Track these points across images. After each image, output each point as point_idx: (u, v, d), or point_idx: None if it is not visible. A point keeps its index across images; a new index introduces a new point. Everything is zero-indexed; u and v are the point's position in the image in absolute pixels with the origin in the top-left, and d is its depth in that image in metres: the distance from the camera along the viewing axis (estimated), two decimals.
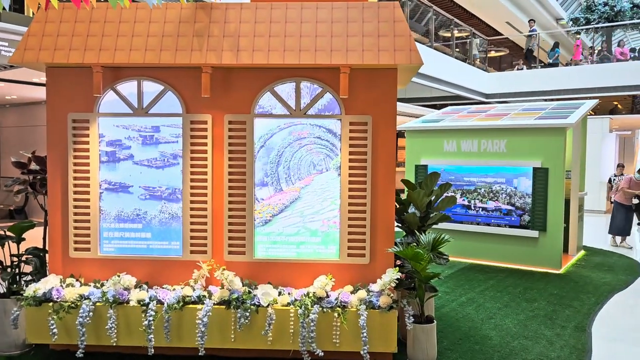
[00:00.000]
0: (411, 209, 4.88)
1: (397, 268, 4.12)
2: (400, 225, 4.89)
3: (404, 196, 5.09)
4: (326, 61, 4.08)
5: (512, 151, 8.08)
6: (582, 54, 19.06)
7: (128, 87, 4.36)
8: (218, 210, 4.36)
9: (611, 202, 12.27)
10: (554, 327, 5.23)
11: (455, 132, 8.62)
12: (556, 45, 20.12)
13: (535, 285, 6.93)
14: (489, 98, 18.28)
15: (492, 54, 22.62)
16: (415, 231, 4.81)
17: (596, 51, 19.06)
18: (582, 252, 9.33)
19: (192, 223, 4.36)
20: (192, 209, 4.36)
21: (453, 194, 8.44)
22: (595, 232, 11.86)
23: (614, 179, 12.60)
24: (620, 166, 13.00)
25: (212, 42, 4.15)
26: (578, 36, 19.50)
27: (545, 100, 17.12)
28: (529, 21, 20.41)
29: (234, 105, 4.33)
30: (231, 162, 4.34)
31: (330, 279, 4.15)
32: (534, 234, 7.87)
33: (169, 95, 4.35)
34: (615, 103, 22.76)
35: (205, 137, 4.33)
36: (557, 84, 17.08)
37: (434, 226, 5.12)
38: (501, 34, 23.01)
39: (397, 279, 4.08)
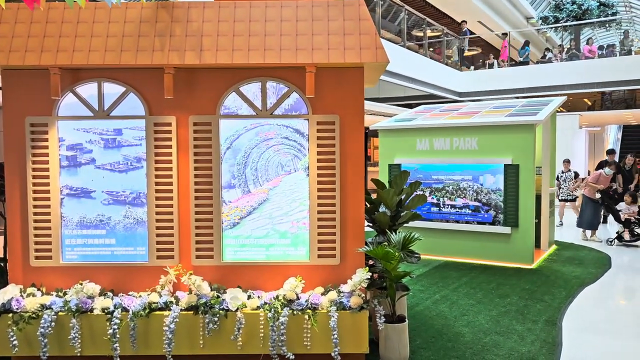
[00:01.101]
0: (382, 209, 4.86)
1: (368, 268, 4.08)
2: (371, 225, 4.87)
3: (375, 196, 5.06)
4: (291, 60, 4.02)
5: (483, 148, 8.14)
6: (508, 54, 19.57)
7: (88, 89, 4.24)
8: (184, 214, 4.27)
9: (560, 200, 12.42)
10: (525, 322, 5.27)
11: (427, 130, 8.65)
12: (526, 43, 20.44)
13: (508, 281, 6.99)
14: (462, 97, 18.47)
15: (466, 53, 22.85)
16: (387, 230, 4.78)
17: (565, 49, 19.42)
18: (554, 247, 9.46)
19: (157, 228, 4.26)
20: (157, 213, 4.25)
21: (422, 192, 8.48)
22: (567, 227, 12.06)
23: (561, 176, 12.49)
24: (567, 162, 12.66)
25: (175, 42, 4.05)
26: (505, 37, 19.84)
27: (517, 97, 17.38)
28: (460, 23, 20.72)
29: (199, 106, 4.24)
30: (197, 165, 4.25)
31: (300, 280, 4.09)
32: (506, 230, 7.95)
33: (131, 97, 4.24)
34: (585, 100, 23.26)
35: (170, 139, 4.23)
36: (528, 81, 17.36)
37: (406, 225, 5.12)
38: (473, 33, 23.27)
39: (368, 279, 4.05)
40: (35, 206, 4.22)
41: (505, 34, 19.89)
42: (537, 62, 19.99)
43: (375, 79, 4.73)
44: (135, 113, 4.24)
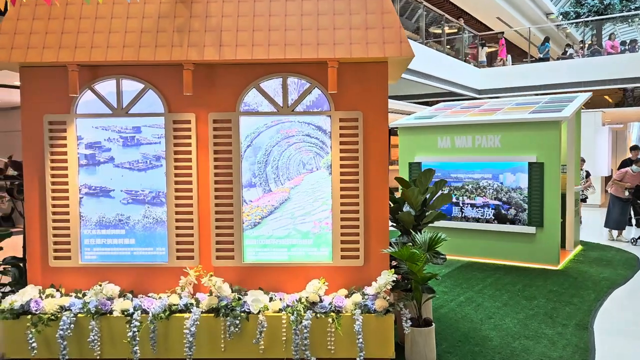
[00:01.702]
0: (406, 208, 4.71)
1: (393, 270, 3.94)
2: (394, 224, 4.72)
3: (397, 195, 4.91)
4: (313, 55, 3.90)
5: (507, 146, 7.93)
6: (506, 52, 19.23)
7: (106, 86, 4.16)
8: (204, 214, 4.17)
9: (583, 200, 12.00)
10: (555, 326, 5.08)
11: (449, 128, 8.46)
12: (547, 39, 20.05)
13: (534, 282, 6.78)
14: (481, 94, 18.18)
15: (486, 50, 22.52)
16: (411, 230, 4.64)
17: (587, 45, 19.00)
18: (580, 247, 9.20)
19: (177, 228, 4.17)
20: (177, 212, 4.16)
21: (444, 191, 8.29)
22: (592, 226, 11.76)
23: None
24: (581, 160, 12.23)
25: (194, 37, 3.95)
26: (503, 36, 19.49)
27: (537, 95, 17.04)
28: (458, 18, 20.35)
29: (219, 103, 4.14)
30: (217, 163, 4.15)
31: (324, 282, 3.97)
32: (531, 229, 7.73)
33: (149, 94, 4.15)
34: (606, 97, 22.75)
35: (189, 136, 4.13)
36: (549, 78, 17.00)
37: (429, 225, 4.96)
38: (491, 29, 22.92)
39: (393, 281, 3.90)
40: (54, 205, 4.16)
41: (502, 32, 19.59)
42: (558, 59, 19.58)
43: (398, 75, 4.59)
44: (154, 110, 4.16)
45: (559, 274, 7.22)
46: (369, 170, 4.11)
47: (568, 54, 19.37)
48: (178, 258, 4.17)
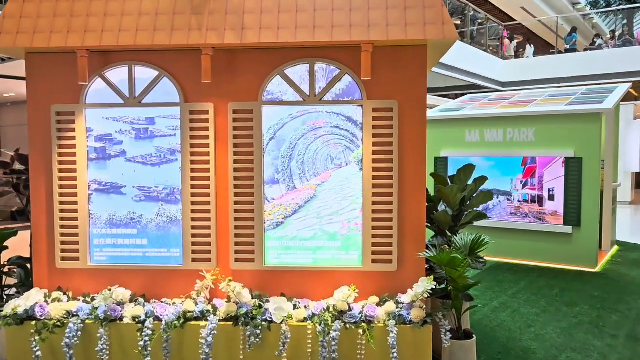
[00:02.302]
0: (441, 207, 4.32)
1: (432, 277, 3.55)
2: (428, 224, 4.33)
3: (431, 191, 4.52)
4: (345, 38, 3.51)
5: (541, 140, 7.45)
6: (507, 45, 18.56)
7: (118, 74, 3.82)
8: (223, 213, 3.82)
9: None
10: (603, 337, 4.65)
11: (478, 120, 8.01)
12: (574, 30, 19.31)
13: (572, 286, 6.34)
14: (505, 87, 17.58)
15: (507, 42, 21.86)
16: (447, 232, 4.25)
17: (617, 35, 18.26)
18: (616, 248, 8.70)
19: (193, 227, 3.83)
20: (193, 211, 3.82)
21: None
22: (625, 225, 11.21)
23: None
24: None
25: (213, 20, 3.59)
26: (504, 28, 18.78)
27: (562, 87, 16.39)
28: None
29: (239, 92, 3.78)
30: (237, 157, 3.79)
31: (354, 290, 3.59)
32: (567, 229, 7.26)
33: (164, 82, 3.81)
34: (631, 91, 21.92)
35: (207, 128, 3.78)
36: (578, 70, 16.32)
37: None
38: (514, 20, 22.22)
39: (431, 289, 3.52)
40: (61, 202, 3.85)
41: (503, 23, 18.92)
42: (585, 50, 18.86)
43: (436, 60, 4.18)
44: (169, 100, 3.81)
45: (598, 277, 6.75)
46: (404, 166, 3.72)
47: (597, 44, 18.65)
48: (194, 260, 3.84)
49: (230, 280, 3.60)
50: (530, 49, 19.37)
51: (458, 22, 17.51)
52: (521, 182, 7.62)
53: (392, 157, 3.70)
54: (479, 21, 18.52)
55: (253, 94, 3.76)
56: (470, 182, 4.28)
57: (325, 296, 3.76)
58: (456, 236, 3.98)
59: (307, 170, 3.82)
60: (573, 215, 7.21)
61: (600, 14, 23.32)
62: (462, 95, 13.84)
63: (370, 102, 3.69)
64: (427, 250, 3.69)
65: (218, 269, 3.82)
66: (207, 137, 3.79)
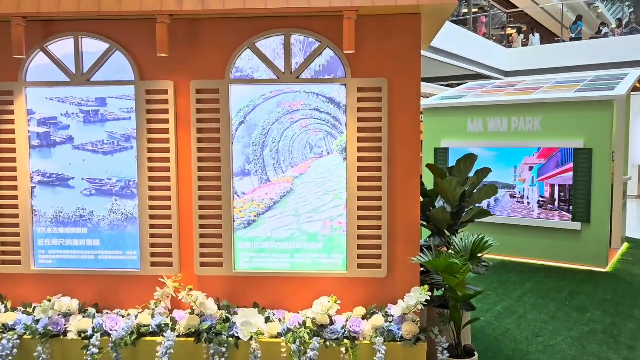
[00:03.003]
0: (439, 203, 3.79)
1: (426, 286, 3.03)
2: (424, 223, 3.80)
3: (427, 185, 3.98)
4: (324, 4, 2.97)
5: (549, 130, 6.90)
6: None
7: (63, 47, 3.29)
8: (186, 209, 3.30)
9: None
10: (620, 348, 4.13)
11: (481, 108, 7.45)
12: (579, 18, 18.69)
13: (582, 288, 5.81)
14: (509, 76, 16.97)
15: (509, 31, 21.27)
16: (445, 231, 3.73)
17: (624, 23, 17.65)
18: (626, 245, 8.17)
19: (152, 226, 3.31)
20: (151, 207, 3.30)
21: None
22: (633, 220, 10.68)
23: None
24: None
25: None
26: (485, 13, 18.18)
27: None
28: None
29: (203, 69, 3.24)
30: (201, 145, 3.26)
31: (334, 301, 3.07)
32: (576, 225, 6.73)
33: (117, 57, 3.27)
34: (638, 85, 21.30)
35: (166, 111, 3.25)
36: (585, 58, 15.70)
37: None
38: (517, 7, 21.58)
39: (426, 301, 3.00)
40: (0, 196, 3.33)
41: (483, 9, 18.30)
42: (591, 39, 18.25)
43: (432, 34, 3.63)
44: (122, 77, 3.28)
45: (609, 278, 6.23)
46: (395, 155, 3.19)
47: (603, 33, 18.04)
48: (153, 265, 3.32)
49: (190, 289, 3.08)
50: (535, 38, 18.75)
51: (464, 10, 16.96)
52: (531, 169, 7.09)
53: (380, 145, 3.17)
54: (483, 8, 17.94)
55: (219, 71, 3.23)
56: (471, 174, 3.75)
57: (304, 306, 3.25)
58: (455, 237, 3.46)
59: (282, 160, 3.29)
60: (582, 211, 6.68)
61: (606, 3, 22.66)
62: (461, 85, 13.26)
63: (355, 81, 3.15)
64: (421, 254, 3.17)
65: (181, 274, 3.31)
66: (166, 121, 3.26)
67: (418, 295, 2.93)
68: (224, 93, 3.21)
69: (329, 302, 3.05)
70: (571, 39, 18.36)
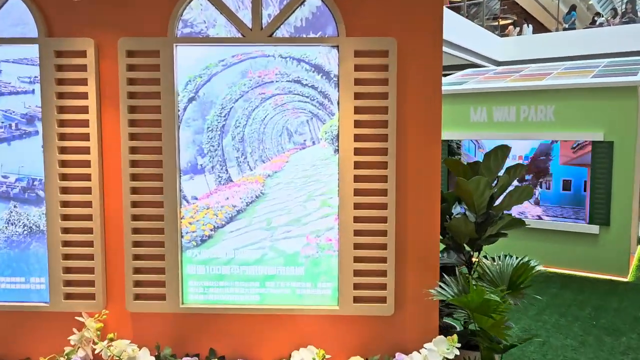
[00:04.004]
0: (456, 208, 2.91)
1: (455, 337, 2.13)
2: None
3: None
4: None
5: (563, 120, 6.07)
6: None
7: None
8: (113, 220, 2.36)
9: None
10: None
11: (485, 96, 6.59)
12: (572, 8, 18.00)
13: (606, 302, 5.00)
14: (502, 66, 16.20)
15: (503, 21, 20.57)
16: (464, 246, 2.85)
17: (620, 13, 17.00)
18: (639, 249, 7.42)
19: (66, 243, 2.36)
20: (65, 217, 2.35)
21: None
22: None
23: None
24: None
25: None
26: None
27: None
28: None
29: (137, 22, 2.29)
30: (134, 130, 2.32)
31: (323, 357, 2.16)
32: (593, 229, 5.93)
33: (13, 5, 2.30)
34: None
35: (84, 81, 2.30)
36: (581, 49, 14.99)
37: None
38: None
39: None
40: None
41: None
42: (586, 29, 17.58)
43: None
44: (22, 33, 2.31)
45: (633, 290, 5.44)
46: (406, 147, 2.29)
47: (597, 23, 17.38)
48: (68, 297, 2.37)
49: (111, 339, 2.14)
50: (529, 29, 18.05)
51: None
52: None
53: (386, 133, 2.26)
54: None
55: (159, 26, 2.28)
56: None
57: (280, 355, 2.34)
58: (480, 254, 2.58)
59: (249, 152, 2.36)
60: (601, 213, 5.87)
61: None
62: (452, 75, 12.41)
63: (352, 41, 2.23)
64: (442, 284, 2.27)
65: (107, 311, 2.37)
66: (84, 96, 2.30)
67: (443, 350, 2.03)
68: (166, 57, 2.27)
69: (313, 353, 2.13)
70: (564, 29, 17.69)
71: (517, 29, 18.57)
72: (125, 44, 2.27)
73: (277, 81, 2.31)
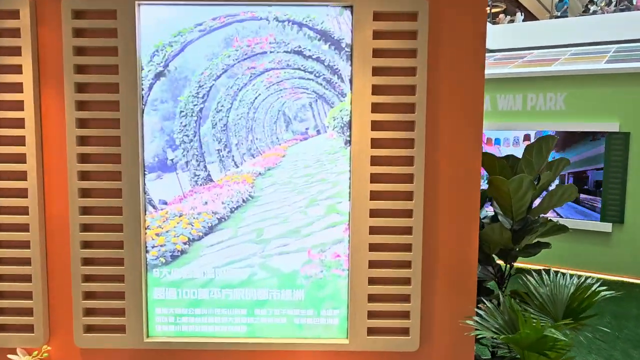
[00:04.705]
0: (484, 211, 2.42)
1: None
2: None
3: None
4: None
5: (575, 109, 5.62)
6: None
7: None
8: (57, 231, 1.82)
9: None
10: None
11: (488, 82, 6.07)
12: None
13: (625, 309, 4.60)
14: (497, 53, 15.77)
15: (495, 10, 20.16)
16: (493, 257, 2.37)
17: (615, 1, 16.65)
18: None
19: None
20: None
21: None
22: None
23: None
24: None
25: None
26: None
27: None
28: None
29: None
30: (84, 115, 1.77)
31: None
32: (606, 227, 5.52)
33: None
34: None
35: (18, 50, 1.75)
36: (577, 36, 14.59)
37: None
38: None
39: None
40: None
41: None
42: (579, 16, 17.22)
43: None
44: None
45: None
46: (439, 139, 1.78)
47: (591, 11, 17.03)
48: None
49: None
50: (520, 17, 17.65)
51: None
52: None
53: (413, 120, 1.74)
54: None
55: None
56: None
57: None
58: (528, 276, 2.09)
59: (235, 143, 1.83)
60: (614, 209, 5.46)
61: None
62: None
63: (370, 0, 1.71)
64: (481, 312, 1.77)
65: (48, 347, 1.83)
66: (17, 70, 1.75)
67: None
68: (125, 19, 1.72)
69: None
70: (556, 17, 17.32)
71: (508, 17, 18.17)
72: (71, 2, 1.72)
73: (271, 52, 1.78)
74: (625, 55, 6.06)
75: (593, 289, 1.85)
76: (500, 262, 2.38)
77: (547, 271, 2.07)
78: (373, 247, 1.80)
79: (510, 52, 8.04)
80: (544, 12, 19.32)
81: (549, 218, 2.38)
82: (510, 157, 2.36)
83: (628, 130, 5.36)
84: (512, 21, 17.92)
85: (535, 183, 2.23)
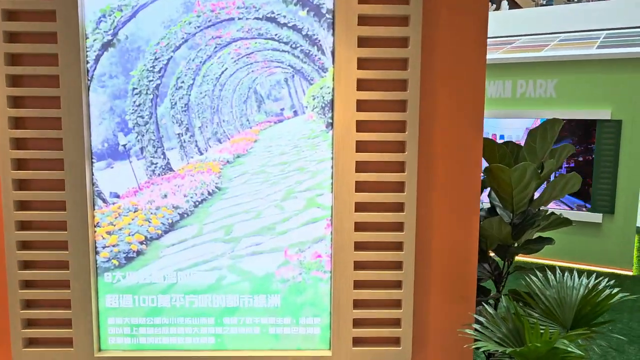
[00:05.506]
0: (482, 203, 2.19)
1: None
2: None
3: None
4: None
5: (566, 96, 5.46)
6: None
7: None
8: None
9: None
10: None
11: None
12: None
13: (618, 303, 4.43)
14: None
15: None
16: (489, 253, 2.16)
17: None
18: (637, 238, 6.96)
19: None
20: None
21: None
22: None
23: None
24: None
25: None
26: None
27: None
28: None
29: None
30: (17, 92, 1.50)
31: None
32: (596, 217, 5.38)
33: None
34: None
35: None
36: (566, 24, 14.48)
37: None
38: None
39: None
40: None
41: None
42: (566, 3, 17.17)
43: None
44: None
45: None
46: (432, 120, 1.54)
47: (576, 0, 16.97)
48: None
49: None
50: (505, 4, 17.51)
51: None
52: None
53: (405, 98, 1.50)
54: None
55: None
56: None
57: None
58: (522, 269, 1.89)
59: (198, 126, 1.57)
60: (604, 199, 5.32)
61: None
62: None
63: None
64: (482, 319, 1.55)
65: None
66: None
67: None
68: None
69: None
70: (542, 6, 17.23)
71: (494, 5, 18.03)
72: None
73: (239, 18, 1.52)
74: (617, 41, 5.90)
75: (607, 292, 1.63)
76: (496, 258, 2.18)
77: (552, 270, 1.86)
78: (359, 246, 1.57)
79: (499, 39, 7.84)
80: (529, 1, 19.24)
81: (550, 211, 2.18)
82: (509, 144, 2.14)
83: (620, 117, 5.21)
84: (497, 9, 17.78)
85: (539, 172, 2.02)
